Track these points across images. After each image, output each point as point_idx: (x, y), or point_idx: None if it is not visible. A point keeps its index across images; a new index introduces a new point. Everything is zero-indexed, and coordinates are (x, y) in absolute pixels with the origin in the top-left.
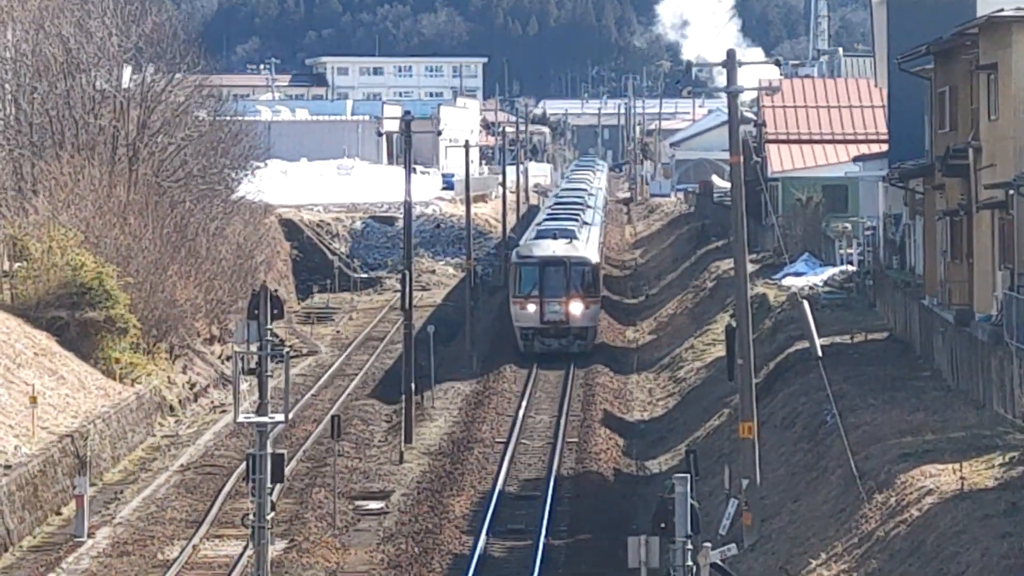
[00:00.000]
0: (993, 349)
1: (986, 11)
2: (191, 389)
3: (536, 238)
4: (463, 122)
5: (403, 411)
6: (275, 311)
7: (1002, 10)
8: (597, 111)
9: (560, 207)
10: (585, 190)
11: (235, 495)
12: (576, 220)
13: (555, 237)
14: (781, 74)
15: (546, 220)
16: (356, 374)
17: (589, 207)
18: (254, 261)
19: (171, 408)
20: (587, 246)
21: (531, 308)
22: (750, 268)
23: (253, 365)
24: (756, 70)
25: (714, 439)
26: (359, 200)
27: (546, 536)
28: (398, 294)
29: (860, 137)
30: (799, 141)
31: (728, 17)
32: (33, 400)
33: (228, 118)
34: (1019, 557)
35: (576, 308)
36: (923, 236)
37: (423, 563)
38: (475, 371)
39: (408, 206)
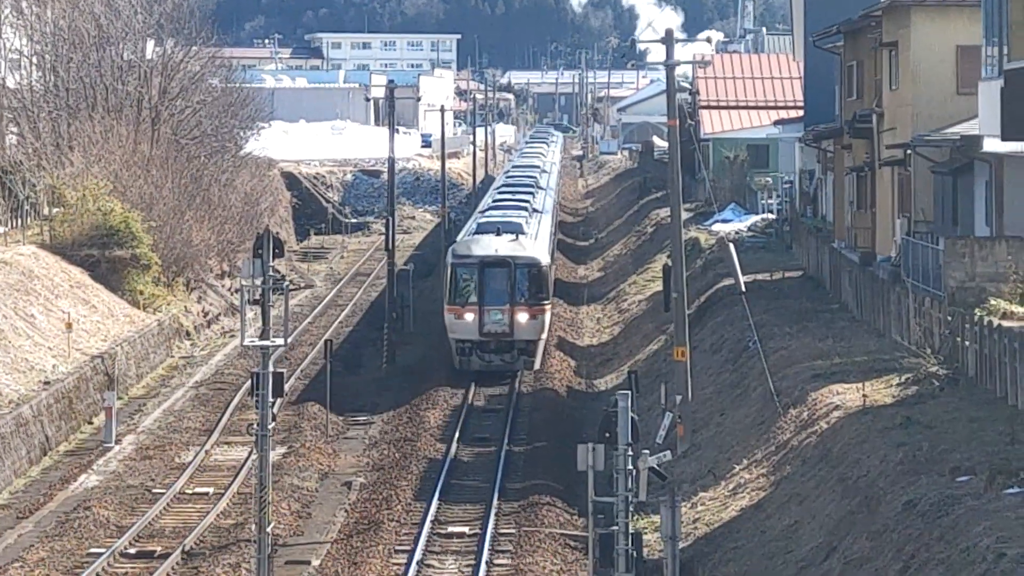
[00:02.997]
0: (892, 286)
1: None
2: (204, 317)
3: (476, 232)
4: (439, 90)
5: (386, 336)
6: (276, 251)
7: None
8: (555, 81)
9: (508, 191)
10: (538, 167)
11: (242, 408)
12: (525, 209)
13: (498, 232)
14: (713, 49)
15: (490, 209)
16: (346, 304)
17: (541, 188)
18: (259, 208)
19: (187, 333)
20: (536, 243)
21: (468, 317)
22: (684, 216)
23: (258, 297)
24: (692, 46)
25: (652, 361)
26: (350, 156)
27: (508, 443)
28: (383, 237)
29: (780, 104)
30: (728, 107)
31: None
32: (69, 326)
33: (237, 85)
34: (912, 463)
35: (522, 318)
36: (833, 189)
37: (403, 466)
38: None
39: (392, 162)
